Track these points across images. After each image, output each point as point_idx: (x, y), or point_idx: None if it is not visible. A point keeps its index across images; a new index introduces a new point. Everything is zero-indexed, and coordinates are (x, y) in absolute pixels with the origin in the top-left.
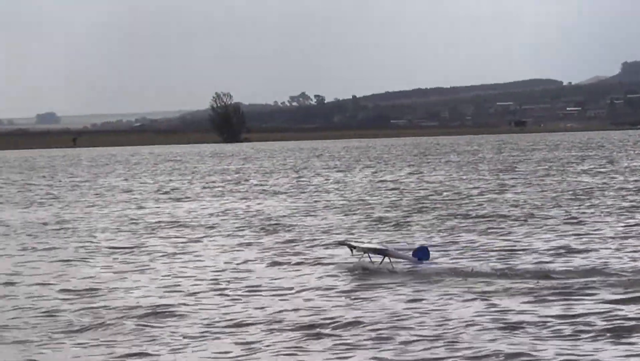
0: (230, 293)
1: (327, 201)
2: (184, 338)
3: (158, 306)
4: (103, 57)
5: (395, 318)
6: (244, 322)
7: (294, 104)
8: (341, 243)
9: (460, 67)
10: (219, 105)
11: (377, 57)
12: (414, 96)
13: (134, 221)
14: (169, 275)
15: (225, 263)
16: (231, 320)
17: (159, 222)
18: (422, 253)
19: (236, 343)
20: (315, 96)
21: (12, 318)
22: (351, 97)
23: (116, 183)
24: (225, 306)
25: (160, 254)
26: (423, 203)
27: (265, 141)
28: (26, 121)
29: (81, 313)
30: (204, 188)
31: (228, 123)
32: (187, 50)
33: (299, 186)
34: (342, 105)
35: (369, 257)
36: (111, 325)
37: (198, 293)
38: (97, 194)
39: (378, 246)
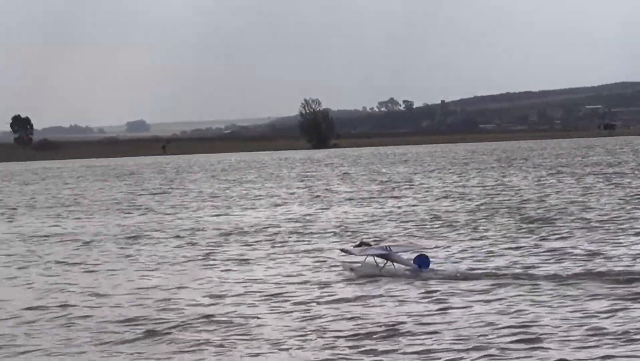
0: (311, 300)
1: (411, 206)
2: (265, 346)
3: (238, 313)
4: (192, 65)
5: (479, 324)
6: (327, 328)
7: (383, 109)
8: (343, 250)
9: (548, 70)
10: (307, 111)
11: (466, 62)
12: (502, 100)
13: (216, 227)
14: (249, 282)
15: (307, 269)
16: (316, 326)
17: (242, 228)
18: (421, 261)
19: (320, 350)
20: (404, 101)
21: (90, 325)
22: (440, 102)
23: (202, 190)
24: (306, 312)
25: (241, 260)
26: (506, 207)
27: (354, 146)
28: (117, 129)
29: (158, 321)
30: (290, 193)
31: (317, 129)
32: (275, 57)
33: (383, 191)
34: (430, 110)
35: (374, 259)
36: (190, 333)
37: (279, 299)
38: (181, 202)
39: (381, 251)
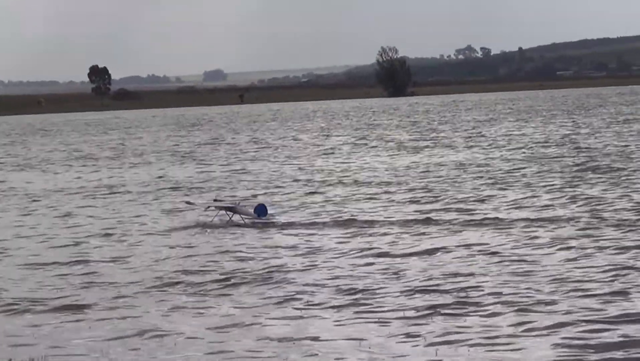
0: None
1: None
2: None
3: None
4: (269, 14)
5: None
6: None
7: (460, 57)
8: (188, 203)
9: (627, 16)
10: (384, 59)
11: (544, 8)
12: (580, 47)
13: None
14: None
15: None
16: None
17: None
18: (260, 210)
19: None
20: (482, 48)
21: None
22: (517, 49)
23: (270, 140)
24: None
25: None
26: (551, 157)
27: (431, 94)
28: (194, 78)
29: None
30: (346, 143)
31: (394, 77)
32: (352, 4)
33: (445, 140)
34: (508, 57)
35: (227, 213)
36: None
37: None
38: (255, 152)
39: (227, 205)
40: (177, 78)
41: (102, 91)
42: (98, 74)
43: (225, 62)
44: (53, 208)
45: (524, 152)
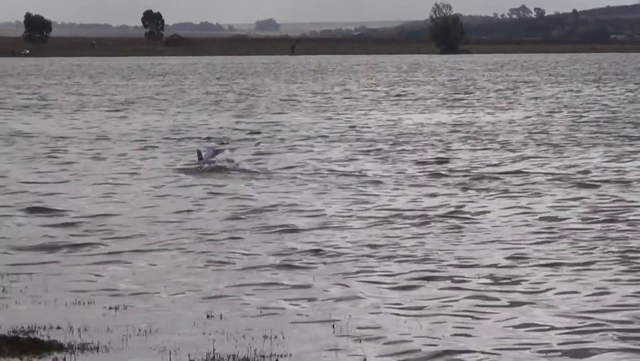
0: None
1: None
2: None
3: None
4: None
5: None
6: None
7: (514, 16)
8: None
9: None
10: (438, 16)
11: None
12: (635, 12)
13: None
14: None
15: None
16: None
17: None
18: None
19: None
20: (535, 9)
21: None
22: (571, 11)
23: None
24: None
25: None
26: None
27: (484, 53)
28: (246, 27)
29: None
30: (375, 100)
31: (446, 34)
32: None
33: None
34: (561, 19)
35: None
36: None
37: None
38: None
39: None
40: (230, 26)
41: (155, 36)
42: (152, 19)
43: (278, 13)
44: None
45: None
